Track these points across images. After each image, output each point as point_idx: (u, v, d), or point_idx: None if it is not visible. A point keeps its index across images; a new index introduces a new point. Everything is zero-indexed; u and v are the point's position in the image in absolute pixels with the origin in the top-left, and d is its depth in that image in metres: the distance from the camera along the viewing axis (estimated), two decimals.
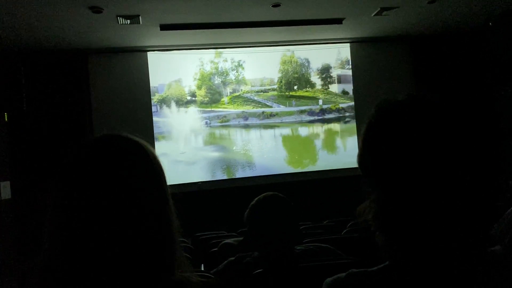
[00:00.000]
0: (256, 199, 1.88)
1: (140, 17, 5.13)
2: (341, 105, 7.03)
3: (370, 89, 6.89)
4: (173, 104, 6.62)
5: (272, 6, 5.15)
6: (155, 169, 0.87)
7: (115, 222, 0.78)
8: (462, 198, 0.72)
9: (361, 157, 0.81)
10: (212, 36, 6.14)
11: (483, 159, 0.75)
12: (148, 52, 6.52)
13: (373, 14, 5.68)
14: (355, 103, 7.10)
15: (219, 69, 6.78)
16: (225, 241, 2.66)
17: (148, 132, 6.27)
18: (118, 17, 5.07)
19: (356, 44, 7.06)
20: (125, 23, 5.26)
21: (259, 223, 1.81)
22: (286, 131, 6.92)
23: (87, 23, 5.18)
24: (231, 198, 6.07)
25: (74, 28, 5.32)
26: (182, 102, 6.67)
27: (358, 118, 7.03)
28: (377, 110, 0.80)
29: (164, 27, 5.57)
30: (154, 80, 6.58)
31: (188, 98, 6.70)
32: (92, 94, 6.30)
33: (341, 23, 5.95)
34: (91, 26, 5.30)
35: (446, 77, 6.83)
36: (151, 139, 6.15)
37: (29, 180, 5.82)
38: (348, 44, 7.06)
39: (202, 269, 2.54)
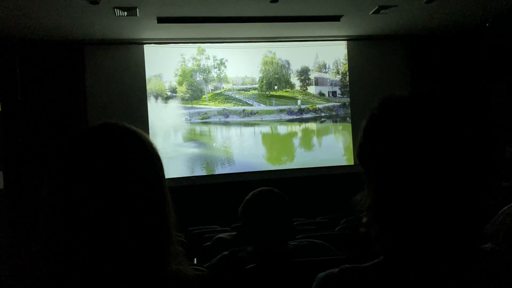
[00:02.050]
0: (251, 193, 1.88)
1: (137, 9, 5.10)
2: (318, 106, 7.25)
3: (366, 87, 6.90)
4: (152, 99, 6.64)
5: (270, 1, 5.14)
6: (153, 161, 0.86)
7: (111, 212, 0.77)
8: (457, 195, 0.72)
9: (361, 147, 0.81)
10: (208, 30, 6.13)
11: (481, 158, 0.76)
12: (144, 45, 6.49)
13: (371, 12, 5.69)
14: (350, 100, 7.13)
15: (201, 66, 6.86)
16: (218, 236, 2.66)
17: (143, 125, 6.22)
18: (115, 9, 5.05)
19: (353, 42, 7.07)
20: (122, 15, 5.23)
21: (253, 218, 1.81)
22: (266, 129, 7.09)
23: (84, 14, 5.14)
24: (225, 193, 6.07)
25: (70, 18, 5.28)
26: (162, 98, 6.71)
27: (354, 114, 7.07)
28: (381, 102, 0.80)
29: (162, 20, 5.54)
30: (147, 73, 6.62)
31: (169, 93, 6.74)
32: (87, 85, 6.26)
33: (339, 20, 5.95)
34: (88, 17, 5.27)
35: (442, 77, 6.85)
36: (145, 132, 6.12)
37: (22, 170, 5.79)
38: (345, 41, 7.07)
39: (195, 263, 2.54)
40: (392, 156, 0.74)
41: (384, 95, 0.81)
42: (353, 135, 7.05)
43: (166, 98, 6.70)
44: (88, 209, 0.77)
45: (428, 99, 0.78)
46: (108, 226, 0.77)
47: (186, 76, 6.80)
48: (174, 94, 6.74)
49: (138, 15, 5.27)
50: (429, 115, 0.75)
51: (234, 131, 6.93)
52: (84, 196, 0.77)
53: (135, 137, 0.86)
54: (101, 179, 0.78)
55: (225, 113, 6.89)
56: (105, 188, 0.78)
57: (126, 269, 0.77)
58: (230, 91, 6.96)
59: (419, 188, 0.72)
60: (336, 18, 5.91)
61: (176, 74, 6.76)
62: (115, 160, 0.80)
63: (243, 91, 7.01)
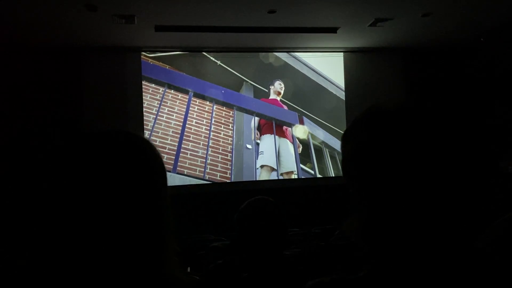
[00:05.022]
0: (246, 202, 1.88)
1: (135, 17, 5.12)
2: None
3: (362, 99, 6.94)
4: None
5: (268, 12, 5.18)
6: (155, 169, 0.86)
7: (109, 218, 0.77)
8: (448, 209, 0.72)
9: (346, 162, 0.80)
10: (206, 39, 6.15)
11: (474, 171, 0.76)
12: (142, 53, 6.51)
13: (368, 24, 5.74)
14: (346, 112, 7.15)
15: None
16: (213, 244, 2.65)
17: (139, 131, 6.20)
18: (113, 16, 5.06)
19: (350, 54, 7.12)
20: (120, 23, 5.24)
21: (248, 226, 1.81)
22: None
23: (81, 21, 5.16)
24: (220, 202, 6.06)
25: (68, 25, 5.29)
26: None
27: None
28: (367, 114, 0.79)
29: (159, 28, 5.56)
30: None
31: None
32: (84, 91, 6.26)
33: (336, 32, 6.00)
34: (86, 24, 5.28)
35: (437, 90, 6.91)
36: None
37: (13, 177, 5.75)
38: (342, 53, 7.12)
39: (189, 271, 2.53)
40: (378, 170, 0.74)
41: (370, 106, 0.80)
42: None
43: None
44: (86, 213, 0.76)
45: (417, 111, 0.78)
46: (104, 230, 0.76)
47: None
48: None
49: (136, 23, 5.28)
50: (418, 128, 0.75)
51: None
52: (82, 200, 0.77)
53: (141, 144, 0.86)
54: (103, 183, 0.78)
55: None
56: (106, 193, 0.77)
57: (120, 274, 0.77)
58: None
59: (408, 203, 0.72)
60: (333, 30, 5.96)
61: None
62: (116, 166, 0.80)
63: None
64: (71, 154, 0.81)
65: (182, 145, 6.62)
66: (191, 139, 6.70)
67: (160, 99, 6.67)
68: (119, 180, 0.79)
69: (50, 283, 0.76)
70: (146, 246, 0.81)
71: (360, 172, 0.77)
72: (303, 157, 7.07)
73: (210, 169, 6.68)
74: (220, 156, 6.78)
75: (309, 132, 7.11)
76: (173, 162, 6.50)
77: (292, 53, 7.03)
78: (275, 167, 6.87)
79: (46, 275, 0.76)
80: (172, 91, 6.73)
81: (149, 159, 0.85)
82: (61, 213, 0.77)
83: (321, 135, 7.18)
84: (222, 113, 6.92)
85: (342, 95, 7.21)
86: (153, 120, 6.59)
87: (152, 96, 6.66)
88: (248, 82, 6.98)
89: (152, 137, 6.49)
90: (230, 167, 6.76)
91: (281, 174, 6.87)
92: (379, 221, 0.75)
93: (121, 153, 0.82)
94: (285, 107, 7.07)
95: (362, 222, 0.77)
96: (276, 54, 6.98)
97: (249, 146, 6.87)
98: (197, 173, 6.55)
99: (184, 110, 6.75)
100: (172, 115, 6.71)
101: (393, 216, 0.73)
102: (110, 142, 0.83)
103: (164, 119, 6.65)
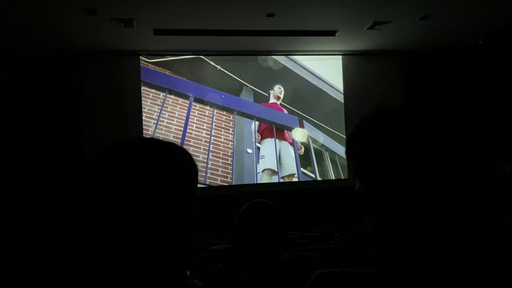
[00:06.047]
0: (245, 205, 1.88)
1: (134, 21, 5.13)
2: None
3: (361, 102, 6.94)
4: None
5: (266, 15, 5.19)
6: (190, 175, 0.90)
7: (138, 222, 0.78)
8: (459, 208, 0.72)
9: (357, 163, 0.80)
10: (205, 43, 6.16)
11: (478, 172, 0.76)
12: (140, 56, 6.52)
13: (366, 27, 5.75)
14: (345, 115, 7.15)
15: None
16: (212, 248, 2.65)
17: (137, 135, 6.21)
18: (112, 20, 5.07)
19: (348, 56, 7.13)
20: (119, 26, 5.25)
21: (248, 230, 1.80)
22: None
23: (80, 24, 5.17)
24: (219, 206, 6.04)
25: (67, 29, 5.30)
26: None
27: (348, 128, 7.08)
28: (375, 114, 0.79)
29: (158, 32, 5.57)
30: None
31: None
32: (83, 95, 6.26)
33: (334, 35, 6.01)
34: (85, 27, 5.29)
35: (435, 93, 6.92)
36: None
37: (12, 180, 5.75)
38: (340, 56, 7.13)
39: (188, 275, 2.52)
40: (390, 170, 0.73)
41: (376, 106, 0.80)
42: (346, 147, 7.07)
43: None
44: (117, 217, 0.77)
45: (423, 110, 0.78)
46: (131, 236, 0.77)
47: None
48: None
49: (135, 26, 5.29)
50: (429, 126, 0.75)
51: None
52: (115, 207, 0.77)
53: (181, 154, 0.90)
54: (138, 189, 0.79)
55: None
56: (137, 199, 0.78)
57: (144, 279, 0.78)
58: None
59: (422, 202, 0.72)
60: (331, 33, 5.97)
61: None
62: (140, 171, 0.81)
63: None
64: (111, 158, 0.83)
65: None
66: (191, 143, 6.69)
67: (161, 104, 6.67)
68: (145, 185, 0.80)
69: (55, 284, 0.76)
70: (169, 250, 0.82)
71: (372, 172, 0.77)
72: (304, 160, 7.05)
73: (211, 173, 6.67)
74: (220, 160, 6.78)
75: (309, 136, 7.11)
76: None
77: (291, 57, 7.05)
78: (276, 171, 6.86)
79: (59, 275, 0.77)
80: (172, 96, 6.73)
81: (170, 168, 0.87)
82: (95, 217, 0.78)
83: (321, 138, 7.18)
84: (223, 118, 6.92)
85: (341, 98, 7.22)
86: (154, 126, 6.59)
87: (153, 102, 6.66)
88: (248, 86, 6.98)
89: None
90: (230, 171, 6.75)
91: (282, 177, 6.87)
92: (393, 221, 0.74)
93: (147, 159, 0.84)
94: (285, 111, 7.07)
95: (377, 222, 0.77)
96: (275, 57, 7.00)
97: (249, 151, 6.87)
98: (198, 177, 6.54)
99: (185, 115, 6.74)
100: (173, 120, 6.71)
101: (407, 216, 0.73)
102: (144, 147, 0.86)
103: (164, 124, 6.65)
